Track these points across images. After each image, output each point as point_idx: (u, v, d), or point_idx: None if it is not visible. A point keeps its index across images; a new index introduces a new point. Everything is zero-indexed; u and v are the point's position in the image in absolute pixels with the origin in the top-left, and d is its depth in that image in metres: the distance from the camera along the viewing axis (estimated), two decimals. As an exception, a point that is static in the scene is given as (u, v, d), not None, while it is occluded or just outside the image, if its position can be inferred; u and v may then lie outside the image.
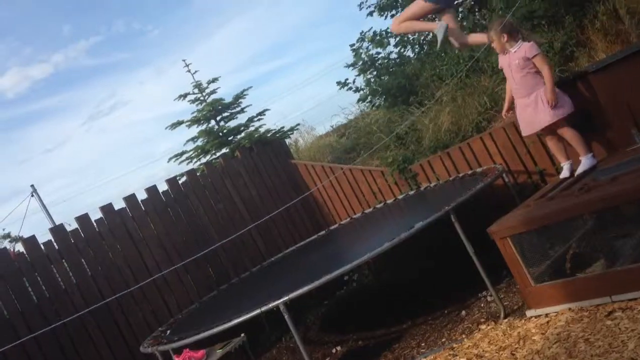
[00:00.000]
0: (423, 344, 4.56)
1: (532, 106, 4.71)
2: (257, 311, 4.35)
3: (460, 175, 6.21)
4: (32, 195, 15.82)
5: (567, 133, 4.68)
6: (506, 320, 4.13)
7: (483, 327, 4.22)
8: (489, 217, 4.42)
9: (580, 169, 4.60)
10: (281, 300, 4.28)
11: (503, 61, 4.93)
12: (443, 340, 4.41)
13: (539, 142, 5.58)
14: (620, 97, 4.69)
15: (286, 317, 4.29)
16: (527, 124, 4.84)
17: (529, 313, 3.96)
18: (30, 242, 6.09)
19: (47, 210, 15.73)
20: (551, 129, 4.75)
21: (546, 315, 3.81)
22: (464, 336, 4.26)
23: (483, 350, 3.80)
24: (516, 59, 4.73)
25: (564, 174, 4.74)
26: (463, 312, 4.73)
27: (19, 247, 10.68)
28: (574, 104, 4.66)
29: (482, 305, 4.68)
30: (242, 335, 4.60)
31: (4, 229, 17.36)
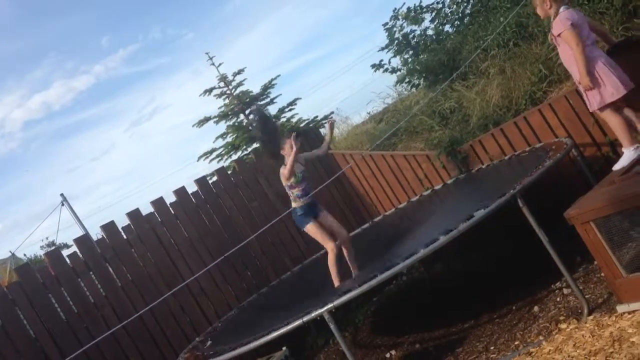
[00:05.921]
0: (492, 348, 3.96)
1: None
2: (299, 321, 3.84)
3: (517, 152, 5.56)
4: (62, 205, 15.37)
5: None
6: (592, 317, 3.49)
7: (563, 326, 3.59)
8: (556, 200, 3.80)
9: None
10: (325, 308, 3.75)
11: None
12: (516, 343, 3.80)
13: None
14: None
15: (332, 326, 3.77)
16: None
17: (620, 308, 3.32)
18: (54, 255, 5.71)
19: (79, 220, 15.35)
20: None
21: (644, 310, 3.17)
22: (541, 338, 3.64)
23: (569, 356, 3.18)
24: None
25: None
26: (535, 308, 4.10)
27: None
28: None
29: (558, 299, 4.05)
30: (284, 349, 4.09)
31: (47, 238, 16.98)
